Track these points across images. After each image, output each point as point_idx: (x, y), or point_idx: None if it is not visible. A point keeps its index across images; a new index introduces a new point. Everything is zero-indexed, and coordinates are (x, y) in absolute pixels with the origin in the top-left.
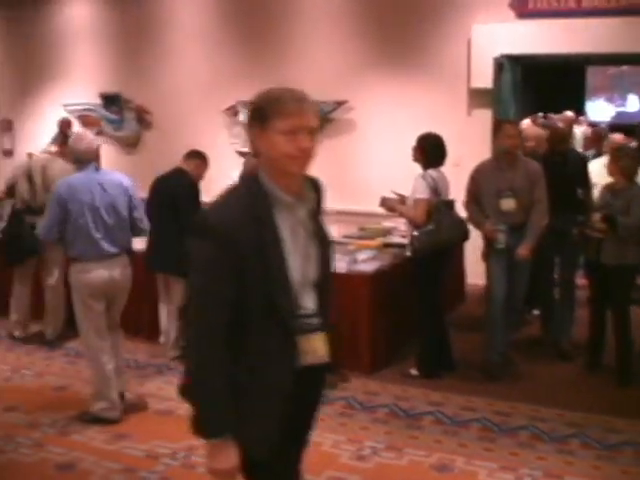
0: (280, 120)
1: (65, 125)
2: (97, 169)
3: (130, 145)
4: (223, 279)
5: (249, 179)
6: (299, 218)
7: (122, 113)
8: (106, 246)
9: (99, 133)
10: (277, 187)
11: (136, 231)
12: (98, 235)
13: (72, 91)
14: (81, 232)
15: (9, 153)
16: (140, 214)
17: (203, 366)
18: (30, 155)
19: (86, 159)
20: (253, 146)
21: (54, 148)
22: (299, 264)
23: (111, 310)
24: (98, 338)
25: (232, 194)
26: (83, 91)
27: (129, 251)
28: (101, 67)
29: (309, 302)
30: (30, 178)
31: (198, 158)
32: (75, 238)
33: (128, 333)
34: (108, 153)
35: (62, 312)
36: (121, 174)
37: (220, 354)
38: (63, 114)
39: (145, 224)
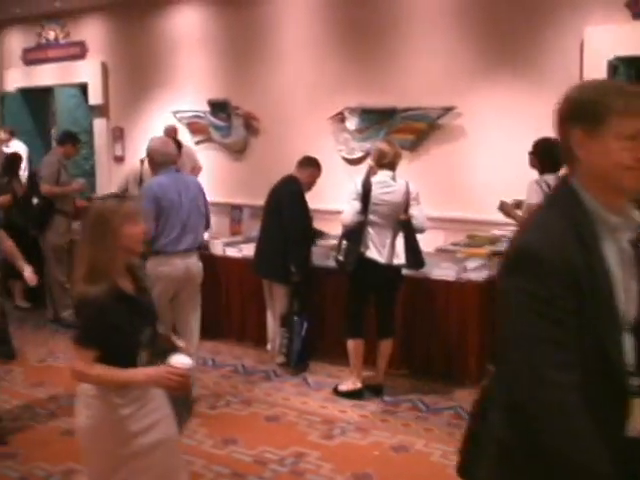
0: (622, 120)
1: (171, 132)
2: (177, 171)
3: (237, 151)
4: (565, 326)
5: (564, 193)
6: (623, 244)
7: (230, 120)
8: (186, 241)
9: (207, 140)
10: (601, 205)
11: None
12: (180, 231)
13: (181, 98)
14: (167, 228)
15: (120, 160)
16: (208, 213)
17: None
18: (142, 161)
19: (170, 162)
20: (568, 152)
21: None
22: (622, 302)
23: (181, 297)
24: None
25: (546, 213)
26: (192, 98)
27: (200, 246)
28: (209, 74)
29: (629, 352)
30: (141, 183)
31: (311, 165)
32: (160, 233)
33: (235, 338)
34: (215, 160)
35: (170, 317)
36: (193, 177)
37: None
38: (172, 121)
39: (209, 223)
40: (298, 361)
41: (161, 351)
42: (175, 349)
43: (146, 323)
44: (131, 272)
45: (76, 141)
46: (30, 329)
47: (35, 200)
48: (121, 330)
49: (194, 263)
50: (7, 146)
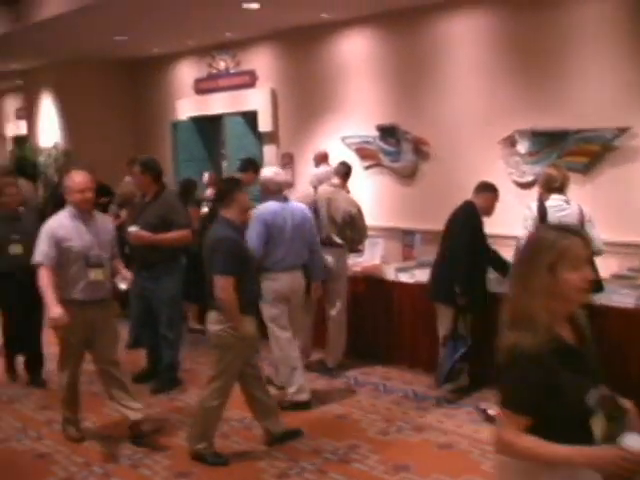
0: None
1: (321, 158)
2: (285, 199)
3: (407, 176)
4: None
5: None
6: None
7: (399, 144)
8: (290, 260)
9: (376, 165)
10: None
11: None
12: (286, 251)
13: (349, 124)
14: (275, 249)
15: (289, 186)
16: (314, 237)
17: None
18: (315, 188)
19: (281, 190)
20: None
21: (337, 180)
22: None
23: (290, 310)
24: (281, 331)
25: None
26: (360, 123)
27: (304, 266)
28: (378, 99)
29: None
30: (315, 210)
31: (487, 190)
32: (270, 253)
33: (406, 364)
34: (384, 185)
35: (343, 342)
36: (301, 205)
37: None
38: (340, 147)
39: (317, 246)
40: (444, 382)
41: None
42: (625, 418)
43: (592, 382)
44: (571, 319)
45: (257, 169)
46: (204, 351)
47: None
48: (563, 392)
49: (297, 279)
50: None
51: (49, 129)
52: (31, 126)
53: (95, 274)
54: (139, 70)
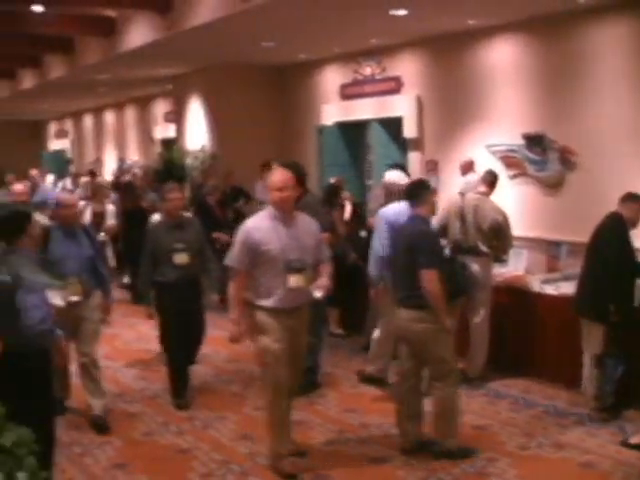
0: None
1: (467, 166)
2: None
3: (552, 186)
4: None
5: None
6: None
7: (545, 154)
8: None
9: (521, 174)
10: None
11: None
12: None
13: (495, 131)
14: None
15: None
16: None
17: None
18: (462, 195)
19: (402, 192)
20: None
21: (483, 188)
22: None
23: None
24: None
25: None
26: (506, 132)
27: None
28: (524, 107)
29: None
30: (462, 217)
31: (633, 201)
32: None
33: (548, 378)
34: (528, 194)
35: (485, 351)
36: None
37: None
38: (485, 155)
39: None
40: (611, 406)
41: None
42: None
43: None
44: None
45: (406, 174)
46: (344, 356)
47: (363, 233)
48: None
49: None
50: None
51: (197, 132)
52: (179, 129)
53: (295, 280)
54: (285, 75)
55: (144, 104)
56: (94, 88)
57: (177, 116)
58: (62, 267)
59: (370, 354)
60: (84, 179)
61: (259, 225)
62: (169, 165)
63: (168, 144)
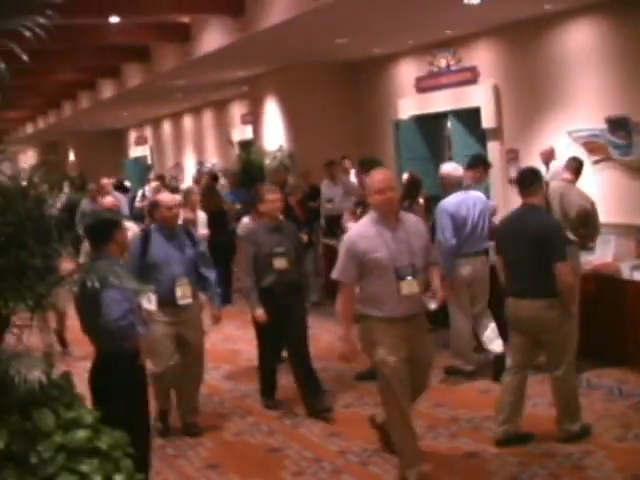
0: None
1: (548, 155)
2: (466, 190)
3: (638, 170)
4: None
5: None
6: None
7: (630, 137)
8: (472, 247)
9: (605, 159)
10: None
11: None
12: (469, 238)
13: (576, 117)
14: (459, 236)
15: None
16: (487, 224)
17: None
18: (546, 183)
19: (460, 183)
20: None
21: (568, 175)
22: None
23: (472, 296)
24: (462, 315)
25: None
26: (587, 116)
27: (486, 251)
28: (606, 91)
29: None
30: (548, 206)
31: None
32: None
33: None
34: (614, 179)
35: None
36: (479, 193)
37: None
38: (567, 142)
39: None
40: None
41: None
42: None
43: None
44: None
45: (487, 165)
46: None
47: None
48: None
49: (481, 264)
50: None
51: (273, 133)
52: (256, 130)
53: (408, 287)
54: (360, 71)
55: (221, 107)
56: (171, 94)
57: (254, 117)
58: (165, 270)
59: (452, 348)
60: (153, 184)
61: (363, 232)
62: (248, 166)
63: (246, 145)
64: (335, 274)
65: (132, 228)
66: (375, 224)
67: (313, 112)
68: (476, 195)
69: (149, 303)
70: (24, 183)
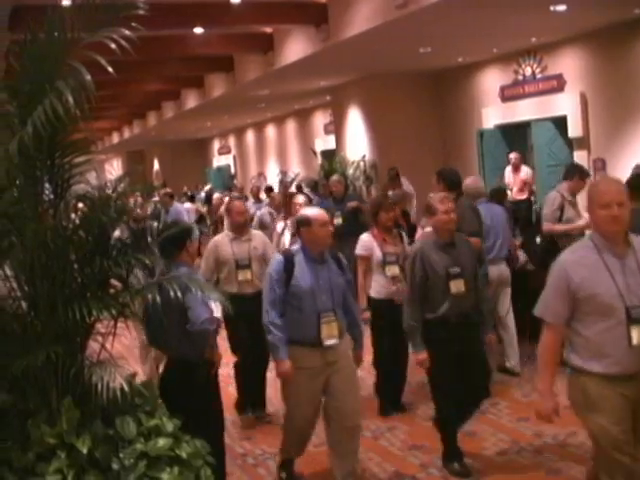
0: None
1: None
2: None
3: None
4: None
5: None
6: None
7: None
8: (494, 254)
9: None
10: None
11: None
12: (491, 245)
13: None
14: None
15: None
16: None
17: None
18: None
19: (481, 194)
20: None
21: None
22: None
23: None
24: None
25: None
26: None
27: (507, 257)
28: None
29: None
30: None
31: None
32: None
33: None
34: None
35: None
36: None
37: None
38: None
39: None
40: None
41: None
42: None
43: None
44: None
45: (584, 174)
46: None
47: (538, 239)
48: None
49: (503, 269)
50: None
51: (356, 142)
52: (339, 140)
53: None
54: (443, 80)
55: (304, 117)
56: (254, 104)
57: (336, 127)
58: (309, 303)
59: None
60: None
61: (580, 260)
62: (330, 176)
63: (329, 155)
64: (539, 310)
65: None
66: (596, 250)
67: (396, 121)
68: (497, 208)
69: (217, 311)
70: (109, 193)
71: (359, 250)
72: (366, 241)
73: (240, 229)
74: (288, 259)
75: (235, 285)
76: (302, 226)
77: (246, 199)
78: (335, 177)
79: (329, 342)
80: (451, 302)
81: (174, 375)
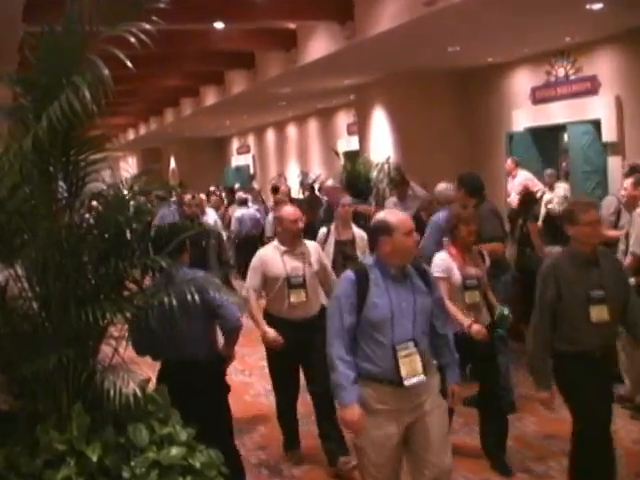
0: None
1: None
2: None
3: None
4: None
5: None
6: None
7: None
8: None
9: None
10: None
11: None
12: None
13: None
14: None
15: None
16: None
17: None
18: None
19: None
20: None
21: None
22: None
23: None
24: None
25: None
26: None
27: None
28: None
29: None
30: None
31: None
32: None
33: None
34: None
35: None
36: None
37: None
38: None
39: None
40: None
41: None
42: None
43: None
44: None
45: None
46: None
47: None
48: None
49: None
50: (512, 176)
51: (381, 144)
52: (362, 141)
53: None
54: (472, 80)
55: (326, 116)
56: (276, 102)
57: (360, 127)
58: (386, 331)
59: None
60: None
61: None
62: (353, 178)
63: (352, 156)
64: None
65: None
66: None
67: (422, 122)
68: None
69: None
70: (125, 192)
71: (438, 272)
72: (444, 260)
73: (293, 240)
74: (361, 277)
75: (285, 308)
76: (381, 235)
77: (263, 202)
78: (330, 183)
79: (411, 381)
80: (594, 331)
81: (180, 377)
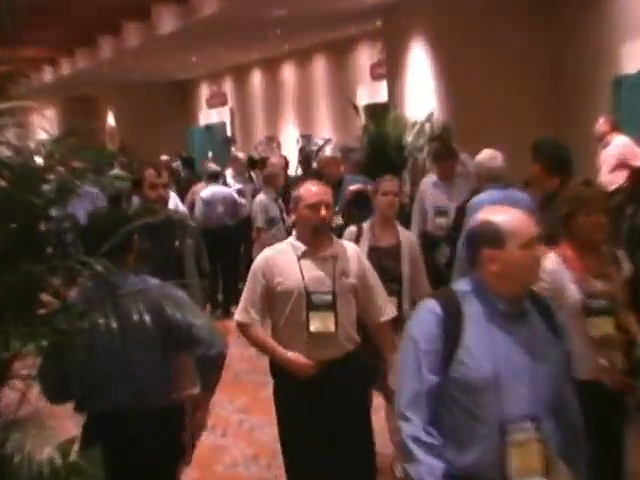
0: None
1: None
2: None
3: None
4: None
5: None
6: None
7: None
8: None
9: None
10: None
11: None
12: None
13: None
14: None
15: None
16: None
17: None
18: None
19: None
20: None
21: None
22: None
23: None
24: None
25: None
26: None
27: None
28: None
29: None
30: None
31: None
32: None
33: None
34: None
35: None
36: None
37: None
38: None
39: None
40: None
41: None
42: None
43: None
44: None
45: None
46: None
47: None
48: None
49: None
50: (604, 144)
51: (420, 94)
52: (393, 89)
53: None
54: (561, 6)
55: (340, 52)
56: (264, 29)
57: (389, 69)
58: (493, 398)
59: None
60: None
61: None
62: (379, 144)
63: (377, 112)
64: None
65: None
66: None
67: (483, 63)
68: (520, 195)
69: None
70: (40, 161)
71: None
72: (552, 265)
73: (315, 237)
74: (451, 311)
75: (302, 342)
76: (484, 245)
77: (251, 179)
78: (328, 154)
79: None
80: None
81: (116, 437)
